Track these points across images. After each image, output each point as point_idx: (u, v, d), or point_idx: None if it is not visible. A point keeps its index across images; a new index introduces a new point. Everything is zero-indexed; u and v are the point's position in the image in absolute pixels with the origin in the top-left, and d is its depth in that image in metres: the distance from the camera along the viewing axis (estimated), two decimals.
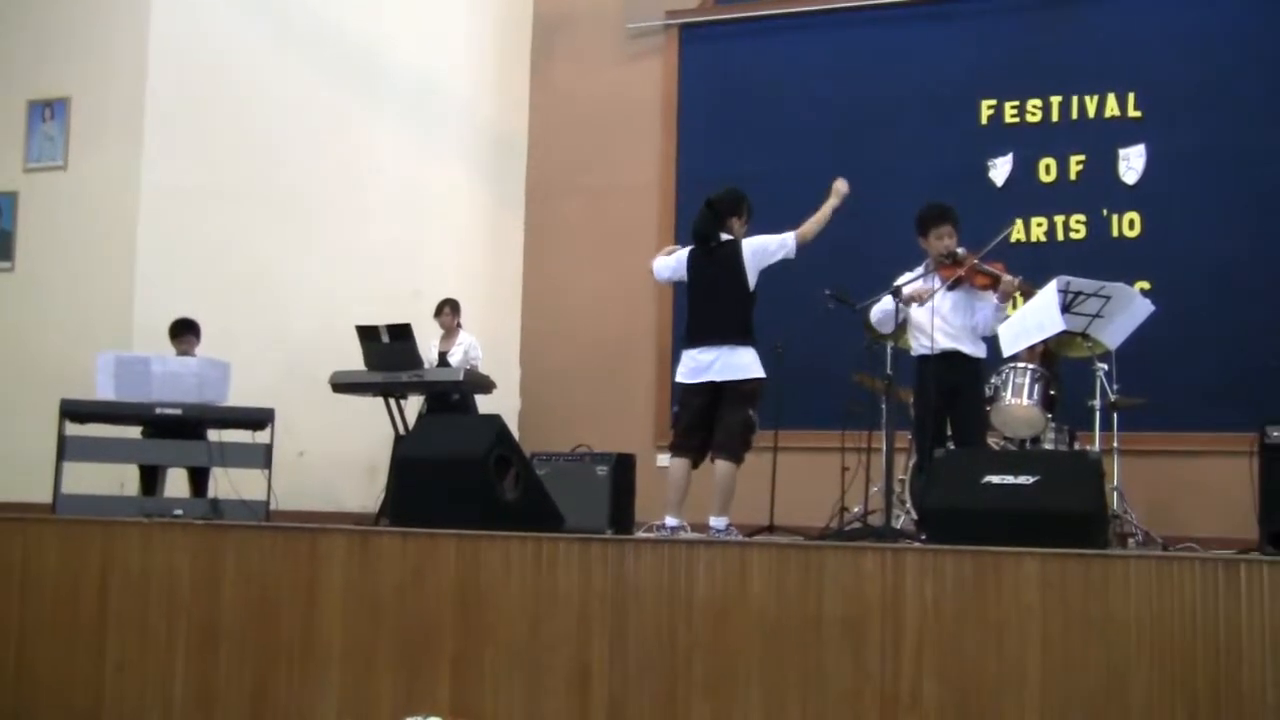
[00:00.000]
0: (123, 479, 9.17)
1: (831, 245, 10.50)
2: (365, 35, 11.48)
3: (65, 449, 8.31)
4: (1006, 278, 7.31)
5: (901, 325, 7.53)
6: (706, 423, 7.60)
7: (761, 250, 7.62)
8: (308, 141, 10.96)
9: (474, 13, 12.51)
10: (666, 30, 12.21)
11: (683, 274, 7.89)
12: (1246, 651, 4.60)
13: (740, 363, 7.53)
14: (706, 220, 7.75)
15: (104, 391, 8.68)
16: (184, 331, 9.40)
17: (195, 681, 6.39)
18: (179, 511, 8.09)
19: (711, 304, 7.67)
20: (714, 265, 7.70)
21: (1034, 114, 10.89)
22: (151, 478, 9.13)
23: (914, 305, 7.36)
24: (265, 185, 10.61)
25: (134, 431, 9.07)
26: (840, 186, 7.71)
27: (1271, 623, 4.57)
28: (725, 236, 7.71)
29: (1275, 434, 5.91)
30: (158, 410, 8.69)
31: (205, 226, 10.19)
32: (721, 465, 7.49)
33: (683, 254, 7.91)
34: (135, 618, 6.54)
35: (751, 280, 7.61)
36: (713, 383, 7.56)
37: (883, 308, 7.48)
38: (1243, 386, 9.62)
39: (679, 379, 7.77)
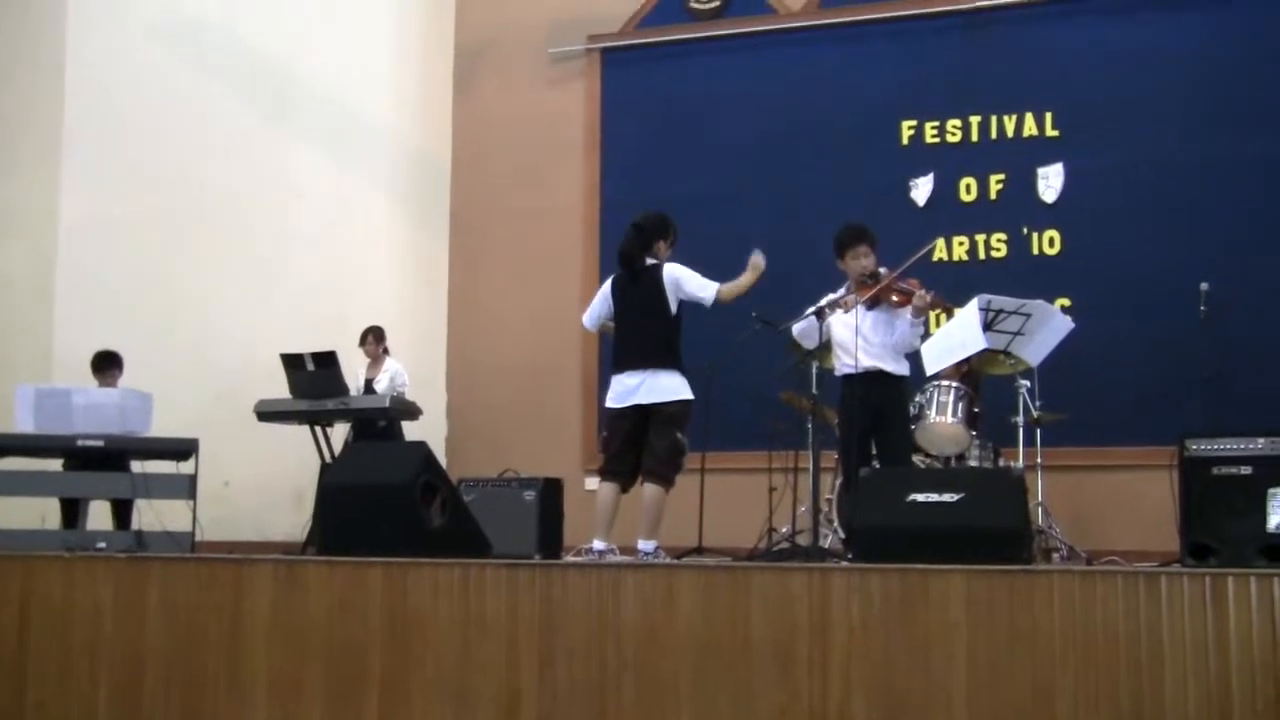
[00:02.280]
0: (44, 512, 9.04)
1: None
2: (286, 63, 11.43)
3: None
4: (919, 292, 7.34)
5: (826, 345, 7.57)
6: (635, 447, 7.59)
7: (685, 282, 7.60)
8: (229, 170, 10.88)
9: (395, 38, 12.49)
10: (588, 55, 12.24)
11: (609, 308, 7.86)
12: (1169, 662, 4.65)
13: (666, 385, 7.53)
14: (633, 242, 7.75)
15: (24, 424, 8.56)
16: (106, 365, 9.29)
17: (119, 717, 6.30)
18: (102, 545, 7.97)
19: (637, 328, 7.67)
20: (638, 289, 7.70)
21: (954, 134, 11.01)
22: (73, 510, 9.01)
23: (839, 312, 7.39)
24: (186, 214, 10.52)
25: (55, 464, 8.95)
26: (758, 261, 7.67)
27: (1193, 634, 4.63)
28: (650, 260, 7.72)
29: (1194, 447, 5.96)
30: (79, 442, 8.58)
31: (125, 257, 10.09)
32: (650, 489, 7.49)
33: (605, 286, 7.91)
34: (56, 653, 6.44)
35: (673, 305, 7.62)
36: (639, 406, 7.56)
37: (806, 322, 7.52)
38: (1162, 400, 9.75)
39: (607, 404, 7.76)
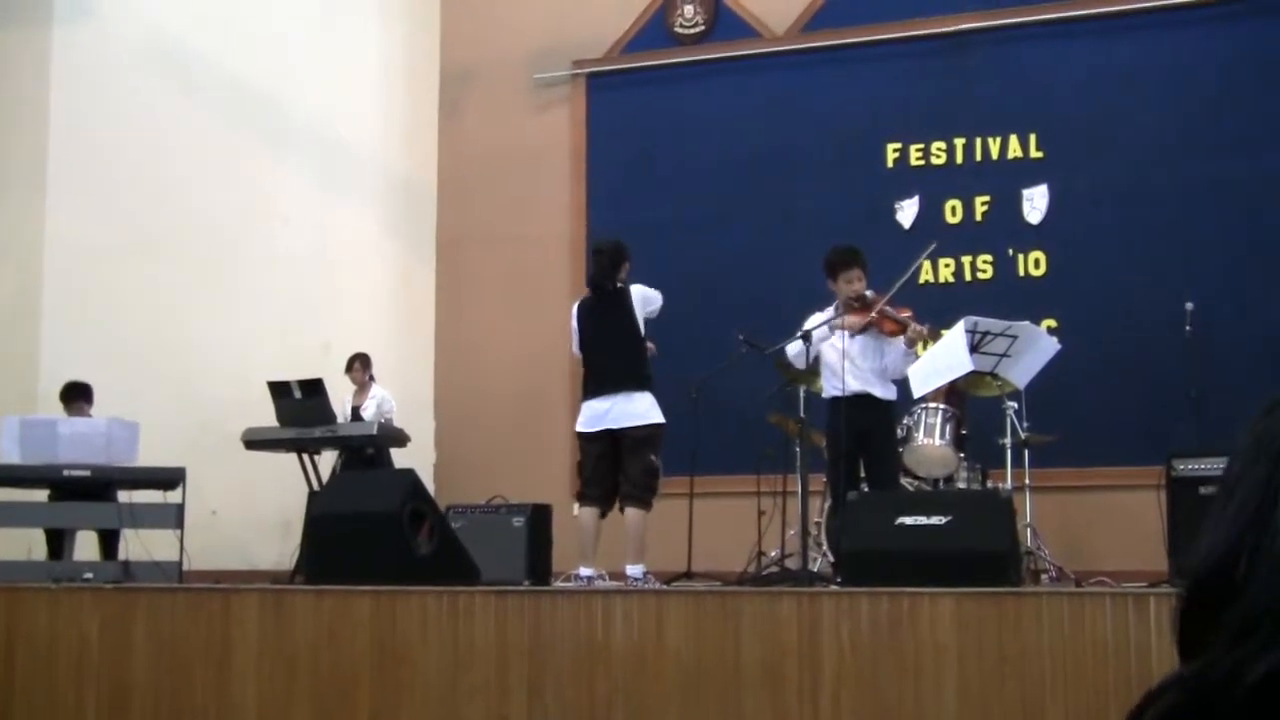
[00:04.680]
0: (30, 543, 9.00)
1: (742, 290, 10.64)
2: (271, 88, 11.44)
3: None
4: (914, 326, 7.37)
5: (814, 368, 7.58)
6: (609, 470, 7.64)
7: (650, 299, 7.73)
8: (215, 196, 10.88)
9: (381, 64, 12.50)
10: (573, 80, 12.26)
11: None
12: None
13: (636, 409, 7.58)
14: (604, 268, 7.82)
15: (8, 455, 8.52)
16: (75, 397, 9.23)
17: None
18: (89, 575, 7.93)
19: (605, 352, 7.74)
20: (605, 313, 7.76)
21: (939, 156, 11.04)
22: (59, 541, 8.96)
23: (837, 334, 7.39)
24: (171, 241, 10.51)
25: (41, 495, 8.91)
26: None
27: None
28: (618, 284, 7.79)
29: (1181, 467, 5.99)
30: (65, 472, 8.54)
31: (111, 285, 10.07)
32: (630, 513, 7.52)
33: (572, 313, 7.96)
34: (42, 685, 6.42)
35: (642, 324, 7.69)
36: (609, 431, 7.59)
37: (796, 346, 7.54)
38: (1149, 420, 9.76)
39: (577, 429, 7.81)
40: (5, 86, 10.21)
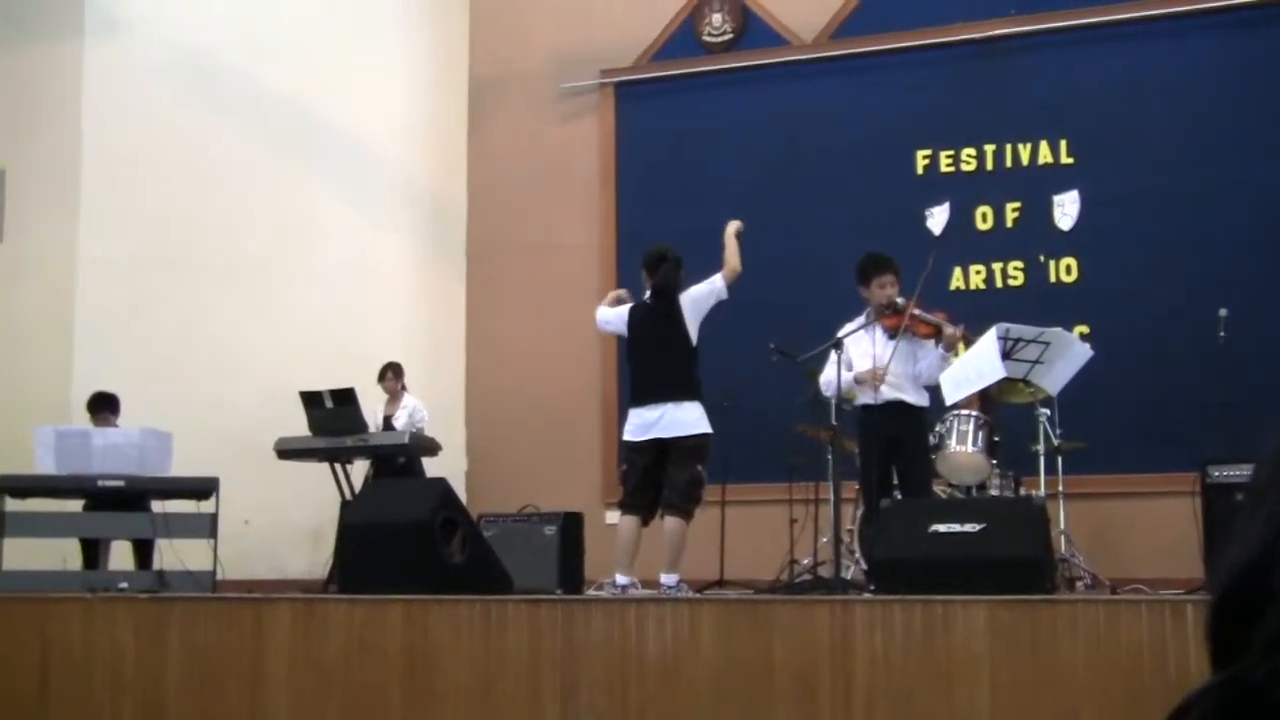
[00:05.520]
0: (65, 554, 9.05)
1: (773, 298, 10.62)
2: (300, 101, 11.48)
3: (5, 525, 8.21)
4: (949, 329, 7.36)
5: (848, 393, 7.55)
6: (655, 480, 7.59)
7: (698, 299, 7.69)
8: (245, 208, 10.93)
9: (410, 75, 12.53)
10: (601, 89, 12.26)
11: (622, 329, 7.90)
12: None
13: (686, 419, 7.54)
14: (672, 275, 7.78)
15: (44, 465, 8.58)
16: (101, 407, 9.28)
17: None
18: (124, 585, 7.98)
19: (655, 360, 7.70)
20: (656, 321, 7.72)
21: (969, 163, 11.00)
22: (94, 551, 9.02)
23: (871, 341, 7.37)
24: (203, 253, 10.57)
25: (76, 505, 8.96)
26: (733, 227, 7.76)
27: None
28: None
29: (1216, 473, 5.96)
30: (100, 482, 8.59)
31: (143, 296, 10.13)
32: (671, 522, 7.48)
33: (623, 310, 7.94)
34: (78, 695, 6.45)
35: (694, 333, 7.65)
36: (658, 440, 7.56)
37: (828, 378, 7.50)
38: (1183, 426, 9.69)
39: (625, 437, 7.77)
40: (37, 101, 10.29)
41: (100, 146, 10.09)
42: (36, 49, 10.42)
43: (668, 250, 7.89)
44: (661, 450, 7.57)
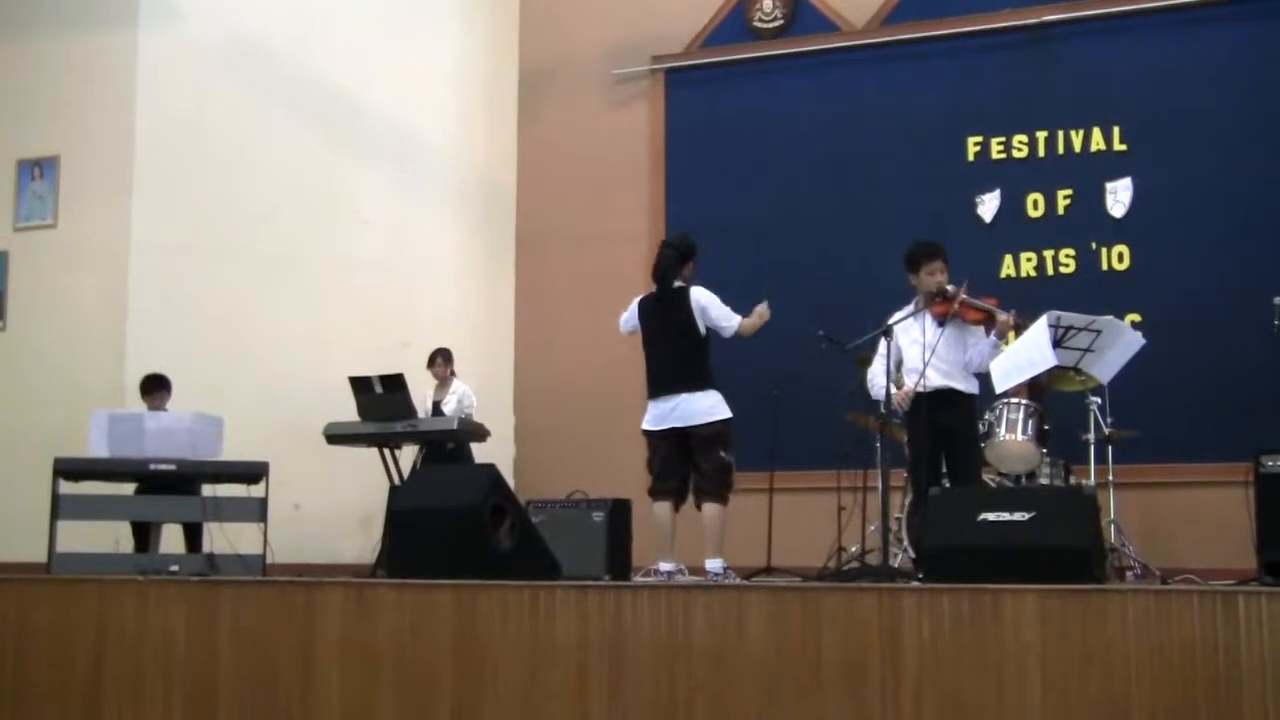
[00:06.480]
0: (117, 536, 9.14)
1: (822, 286, 10.59)
2: (351, 89, 11.52)
3: (59, 507, 8.30)
4: (1001, 315, 7.32)
5: (896, 363, 7.53)
6: (680, 465, 7.65)
7: (710, 309, 7.75)
8: (296, 195, 10.99)
9: (460, 64, 12.54)
10: (652, 75, 12.25)
11: (636, 322, 7.94)
12: (1247, 682, 4.58)
13: (702, 407, 7.59)
14: (669, 260, 7.82)
15: (97, 449, 8.67)
16: (155, 388, 9.36)
17: None
18: (175, 568, 8.06)
19: (667, 351, 7.77)
20: (666, 312, 7.76)
21: (1020, 150, 10.92)
22: (146, 534, 9.11)
23: (921, 328, 7.34)
24: (254, 239, 10.63)
25: (128, 488, 9.04)
26: (763, 311, 7.81)
27: (1271, 653, 4.56)
28: (678, 283, 7.77)
29: (1270, 464, 5.90)
30: (152, 466, 8.67)
31: (195, 282, 10.21)
32: (708, 507, 7.52)
33: (634, 304, 7.97)
34: (131, 677, 6.50)
35: (702, 328, 7.67)
36: (677, 429, 7.60)
37: (875, 380, 7.48)
38: (1236, 416, 9.62)
39: (644, 427, 7.81)
40: (92, 88, 10.39)
41: (154, 133, 10.17)
42: (92, 37, 10.52)
43: (671, 237, 7.93)
44: (683, 437, 7.62)
